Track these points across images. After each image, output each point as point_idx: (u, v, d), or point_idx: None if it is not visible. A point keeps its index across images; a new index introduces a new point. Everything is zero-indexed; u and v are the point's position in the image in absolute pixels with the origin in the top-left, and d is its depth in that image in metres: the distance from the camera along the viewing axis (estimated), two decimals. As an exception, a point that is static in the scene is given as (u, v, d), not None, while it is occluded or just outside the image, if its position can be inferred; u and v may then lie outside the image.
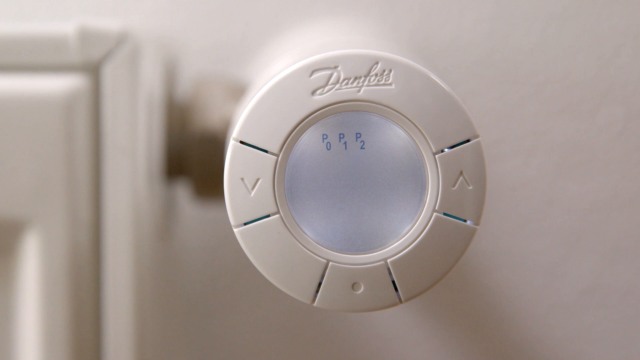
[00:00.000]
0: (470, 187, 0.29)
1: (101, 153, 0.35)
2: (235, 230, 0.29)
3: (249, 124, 0.29)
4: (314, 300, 0.30)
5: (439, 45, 0.46)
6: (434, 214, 0.29)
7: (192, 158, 0.43)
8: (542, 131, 0.46)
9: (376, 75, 0.29)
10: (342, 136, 0.30)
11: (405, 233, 0.30)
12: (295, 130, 0.29)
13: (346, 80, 0.29)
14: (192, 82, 0.45)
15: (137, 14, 0.46)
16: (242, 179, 0.29)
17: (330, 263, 0.29)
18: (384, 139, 0.30)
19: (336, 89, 0.29)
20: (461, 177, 0.29)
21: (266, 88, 0.29)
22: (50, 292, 0.34)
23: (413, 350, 0.49)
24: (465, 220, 0.30)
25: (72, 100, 0.34)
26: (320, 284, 0.30)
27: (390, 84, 0.29)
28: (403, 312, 0.48)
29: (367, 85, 0.29)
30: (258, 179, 0.29)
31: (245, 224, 0.29)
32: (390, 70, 0.29)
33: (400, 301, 0.30)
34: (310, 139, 0.29)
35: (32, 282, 0.34)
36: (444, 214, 0.29)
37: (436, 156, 0.29)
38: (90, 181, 0.35)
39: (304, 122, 0.29)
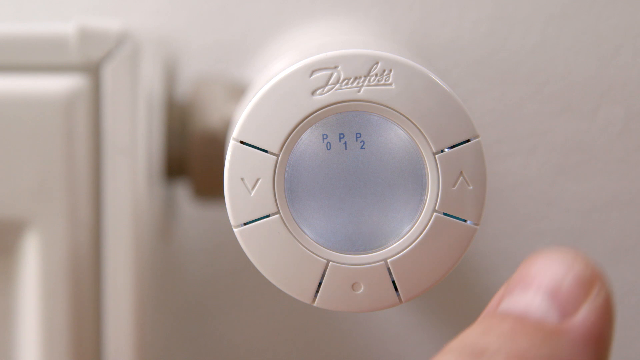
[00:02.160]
0: (470, 187, 0.29)
1: (101, 153, 0.35)
2: (235, 230, 0.29)
3: (249, 124, 0.29)
4: (314, 300, 0.30)
5: (439, 45, 0.46)
6: (434, 214, 0.29)
7: (192, 158, 0.43)
8: (542, 131, 0.46)
9: (376, 75, 0.29)
10: (342, 136, 0.30)
11: (405, 233, 0.30)
12: (295, 130, 0.29)
13: (346, 80, 0.29)
14: (192, 82, 0.45)
15: (137, 14, 0.46)
16: (242, 179, 0.29)
17: (330, 263, 0.29)
18: (384, 139, 0.30)
19: (336, 89, 0.29)
20: (461, 177, 0.29)
21: (266, 88, 0.29)
22: (50, 292, 0.34)
23: (413, 350, 0.49)
24: (465, 220, 0.30)
25: (72, 100, 0.34)
26: (320, 284, 0.30)
27: (390, 84, 0.29)
28: (403, 312, 0.48)
29: (367, 85, 0.29)
30: (258, 179, 0.29)
31: (245, 224, 0.29)
32: (390, 70, 0.29)
33: (400, 301, 0.30)
34: (310, 139, 0.30)
35: (32, 282, 0.34)
36: (444, 214, 0.29)
37: (436, 156, 0.29)
38: (90, 181, 0.35)
39: (304, 122, 0.29)
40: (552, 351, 0.24)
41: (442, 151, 0.29)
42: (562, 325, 0.25)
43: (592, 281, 0.25)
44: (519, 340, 0.24)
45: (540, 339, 0.24)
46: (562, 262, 0.25)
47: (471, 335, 0.25)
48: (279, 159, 0.29)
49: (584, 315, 0.25)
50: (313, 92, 0.29)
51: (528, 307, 0.25)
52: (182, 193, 0.48)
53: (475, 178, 0.29)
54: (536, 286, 0.25)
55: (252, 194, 0.29)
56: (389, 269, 0.30)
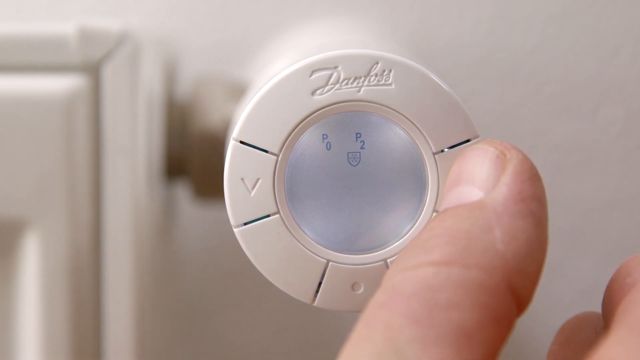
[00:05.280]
0: (470, 187, 0.29)
1: (101, 153, 0.35)
2: (235, 230, 0.30)
3: (249, 124, 0.29)
4: (314, 300, 0.30)
5: (439, 45, 0.46)
6: (434, 214, 0.29)
7: (192, 158, 0.43)
8: (542, 131, 0.46)
9: (376, 75, 0.29)
10: (342, 136, 0.30)
11: (405, 233, 0.30)
12: (295, 130, 0.29)
13: (346, 80, 0.29)
14: (192, 82, 0.45)
15: (137, 14, 0.46)
16: (242, 179, 0.29)
17: (330, 263, 0.29)
18: (384, 139, 0.30)
19: (336, 89, 0.29)
20: (461, 177, 0.29)
21: (266, 88, 0.29)
22: (50, 292, 0.34)
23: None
24: (465, 220, 0.30)
25: (72, 100, 0.34)
26: (320, 284, 0.30)
27: (390, 84, 0.29)
28: (403, 312, 0.48)
29: (367, 85, 0.29)
30: (258, 179, 0.29)
31: (245, 224, 0.29)
32: (390, 70, 0.29)
33: (400, 301, 0.30)
34: (310, 139, 0.30)
35: (32, 282, 0.34)
36: (444, 214, 0.29)
37: (436, 156, 0.29)
38: (90, 181, 0.35)
39: (304, 122, 0.29)
40: (476, 221, 0.26)
41: (442, 151, 0.29)
42: (484, 199, 0.26)
43: (503, 157, 0.27)
44: (447, 221, 0.26)
45: (464, 214, 0.26)
46: (478, 153, 0.27)
47: (412, 240, 0.27)
48: (279, 159, 0.29)
49: (501, 184, 0.26)
50: (313, 92, 0.29)
51: (459, 199, 0.27)
52: (182, 193, 0.48)
53: (475, 178, 0.29)
54: (462, 181, 0.27)
55: (252, 194, 0.29)
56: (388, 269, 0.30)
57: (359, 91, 0.29)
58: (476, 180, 0.27)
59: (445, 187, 0.28)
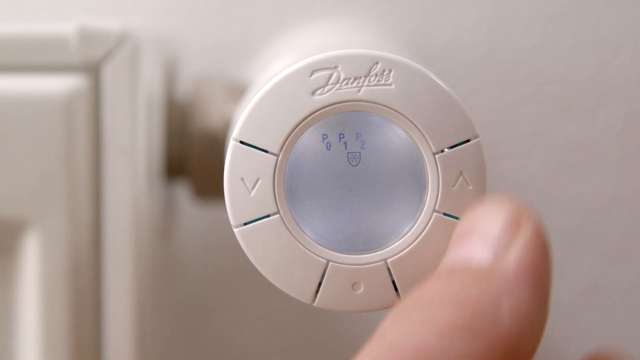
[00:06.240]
0: (470, 187, 0.29)
1: (101, 153, 0.35)
2: (235, 230, 0.30)
3: (249, 124, 0.29)
4: (314, 300, 0.30)
5: (439, 45, 0.46)
6: (434, 214, 0.29)
7: (192, 158, 0.43)
8: (542, 131, 0.46)
9: (376, 75, 0.29)
10: (342, 136, 0.30)
11: (405, 233, 0.30)
12: (295, 130, 0.29)
13: (346, 80, 0.29)
14: (192, 82, 0.45)
15: (137, 14, 0.46)
16: (242, 179, 0.29)
17: (330, 263, 0.29)
18: (384, 139, 0.30)
19: (336, 89, 0.29)
20: (461, 177, 0.29)
21: (266, 88, 0.29)
22: (50, 292, 0.34)
23: (413, 350, 0.48)
24: (465, 220, 0.30)
25: (72, 100, 0.34)
26: (320, 284, 0.30)
27: (390, 84, 0.29)
28: (403, 312, 0.48)
29: (367, 85, 0.29)
30: (258, 179, 0.29)
31: (245, 224, 0.29)
32: (390, 70, 0.29)
33: (400, 301, 0.30)
34: (310, 139, 0.30)
35: (32, 282, 0.34)
36: (444, 214, 0.29)
37: (436, 156, 0.29)
38: (90, 181, 0.35)
39: (304, 122, 0.29)
40: (484, 289, 0.25)
41: (442, 151, 0.29)
42: (495, 265, 0.26)
43: (519, 221, 0.27)
44: (453, 285, 0.26)
45: (473, 280, 0.26)
46: (493, 210, 0.27)
47: (414, 293, 0.26)
48: (279, 159, 0.29)
49: (513, 252, 0.26)
50: (313, 92, 0.29)
51: (467, 257, 0.27)
52: (182, 193, 0.48)
53: (475, 178, 0.29)
54: (474, 237, 0.27)
55: (252, 194, 0.29)
56: (389, 269, 0.30)
57: (359, 91, 0.29)
58: (489, 243, 0.27)
59: (454, 236, 0.28)
